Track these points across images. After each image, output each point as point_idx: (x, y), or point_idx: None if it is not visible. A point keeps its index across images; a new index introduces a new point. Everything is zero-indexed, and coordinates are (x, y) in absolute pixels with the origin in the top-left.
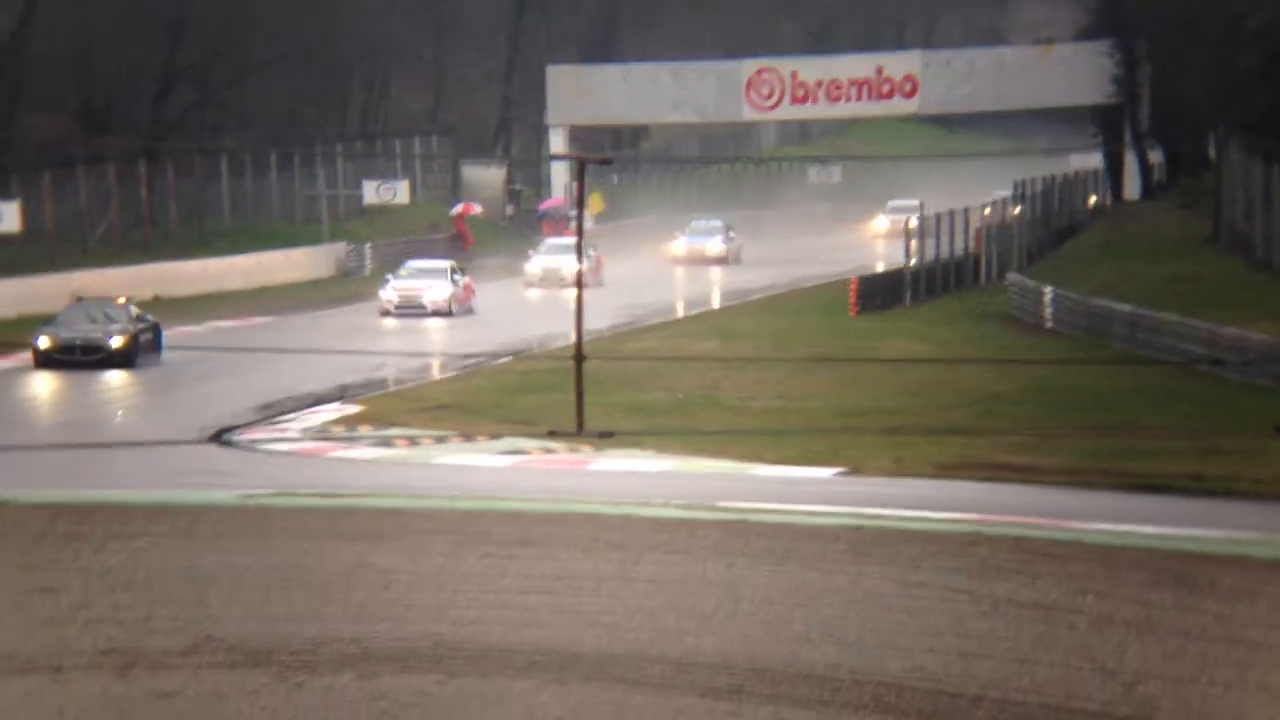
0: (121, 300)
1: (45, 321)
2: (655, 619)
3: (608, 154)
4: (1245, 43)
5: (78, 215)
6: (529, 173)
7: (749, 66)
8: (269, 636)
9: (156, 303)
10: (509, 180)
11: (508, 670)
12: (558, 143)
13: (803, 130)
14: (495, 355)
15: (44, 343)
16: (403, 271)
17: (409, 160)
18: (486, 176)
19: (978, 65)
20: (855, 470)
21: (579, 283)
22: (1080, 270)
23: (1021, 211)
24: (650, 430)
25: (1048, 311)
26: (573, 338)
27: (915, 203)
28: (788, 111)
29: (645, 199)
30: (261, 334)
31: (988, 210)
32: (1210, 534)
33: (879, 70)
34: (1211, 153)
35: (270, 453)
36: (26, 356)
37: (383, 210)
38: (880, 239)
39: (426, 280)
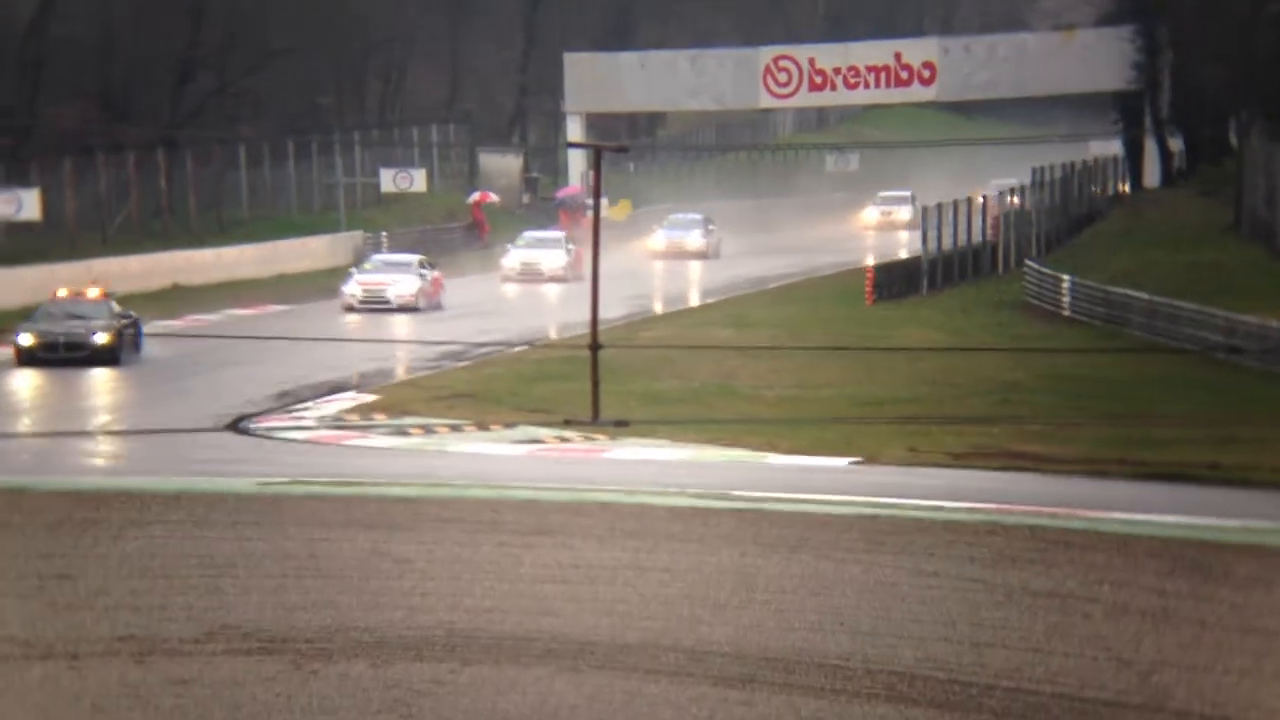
0: (97, 293)
1: (25, 317)
2: (669, 608)
3: (624, 142)
4: (1267, 28)
5: (97, 204)
6: (546, 161)
7: (766, 54)
8: (284, 624)
9: (175, 291)
10: (526, 168)
11: (522, 658)
12: (575, 130)
13: (820, 117)
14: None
15: (26, 340)
16: (367, 265)
17: (426, 148)
18: (503, 165)
19: (997, 52)
20: (870, 459)
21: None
22: (1099, 258)
23: (1022, 202)
24: (665, 419)
25: (1066, 300)
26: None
27: (906, 193)
28: (805, 99)
29: (662, 187)
30: (278, 322)
31: (982, 200)
32: (1227, 523)
33: (897, 57)
34: (1233, 139)
35: (286, 441)
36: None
37: (400, 198)
38: (870, 230)
39: (392, 275)
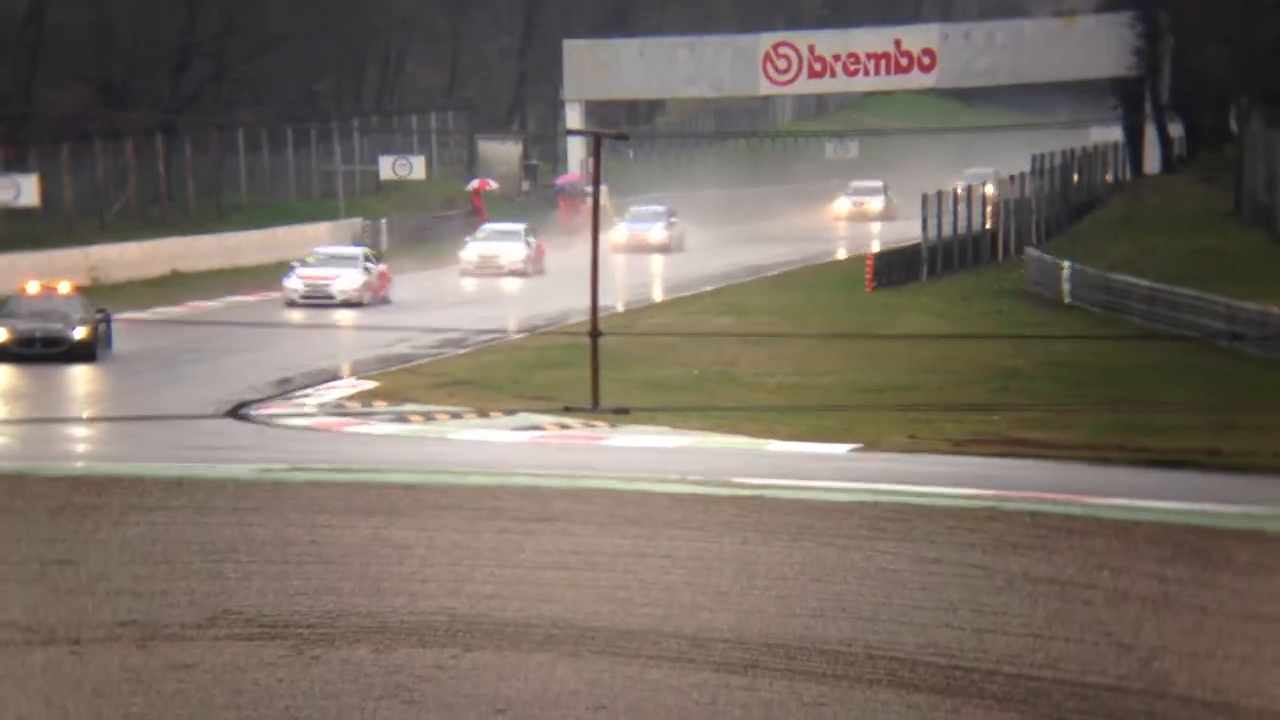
0: (68, 288)
1: None
2: (671, 594)
3: (623, 129)
4: (1267, 14)
5: (95, 190)
6: (545, 148)
7: (766, 40)
8: (286, 610)
9: (174, 277)
10: (525, 156)
11: (523, 644)
12: (574, 118)
13: (819, 104)
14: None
15: (1, 335)
16: (310, 258)
17: (425, 135)
18: (502, 152)
19: (997, 38)
20: (870, 446)
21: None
22: (1099, 245)
23: (1000, 192)
24: (666, 406)
25: (1066, 287)
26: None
27: (878, 184)
28: (804, 86)
29: (661, 175)
30: (277, 309)
31: (959, 190)
32: (1227, 509)
33: (897, 43)
34: (1233, 125)
35: (287, 427)
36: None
37: (399, 186)
38: (841, 221)
39: (336, 268)
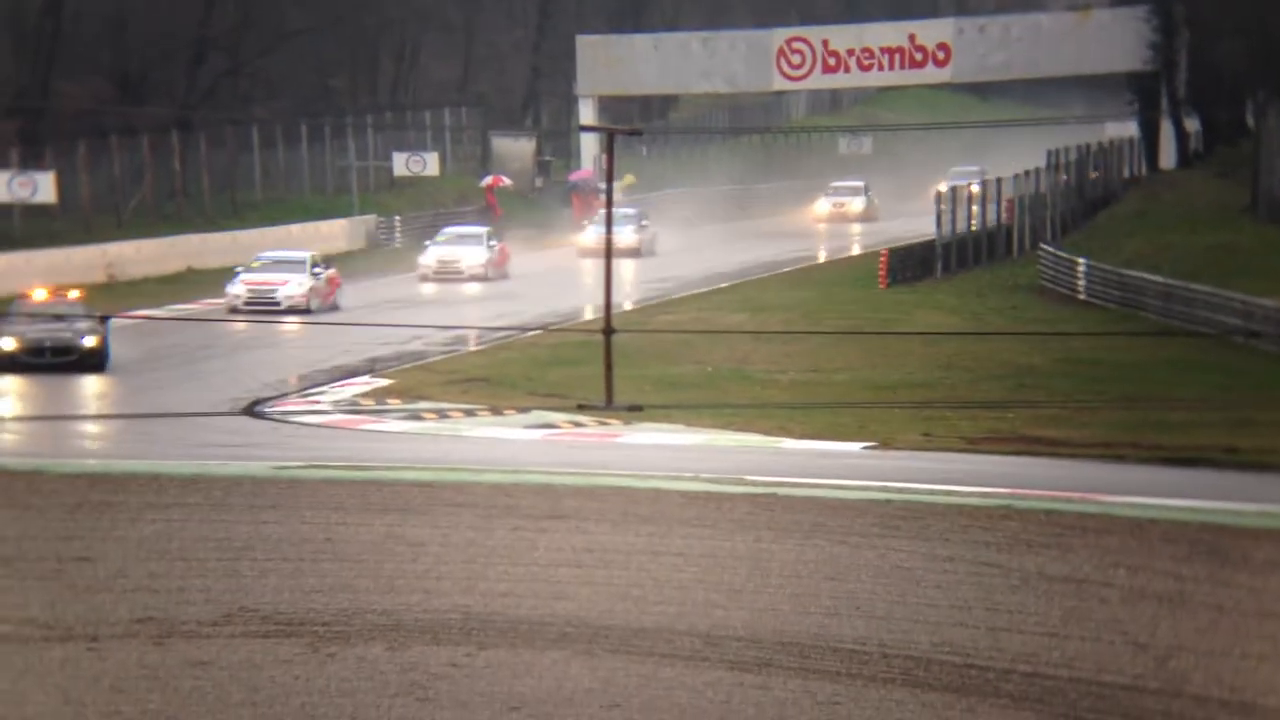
0: (77, 294)
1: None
2: (684, 592)
3: (637, 125)
4: None
5: (112, 186)
6: (559, 144)
7: (780, 35)
8: (301, 607)
9: (189, 274)
10: (539, 151)
11: (537, 642)
12: (587, 113)
13: (833, 99)
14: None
15: (9, 344)
16: (254, 263)
17: (439, 131)
18: (516, 148)
19: (1012, 32)
20: (884, 444)
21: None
22: (1114, 241)
23: (984, 192)
24: (679, 404)
25: (1081, 283)
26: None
27: (859, 184)
28: (819, 81)
29: (674, 170)
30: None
31: (943, 190)
32: (1243, 507)
33: (911, 38)
34: (1250, 120)
35: (302, 425)
36: None
37: (412, 182)
38: (822, 223)
39: (281, 273)
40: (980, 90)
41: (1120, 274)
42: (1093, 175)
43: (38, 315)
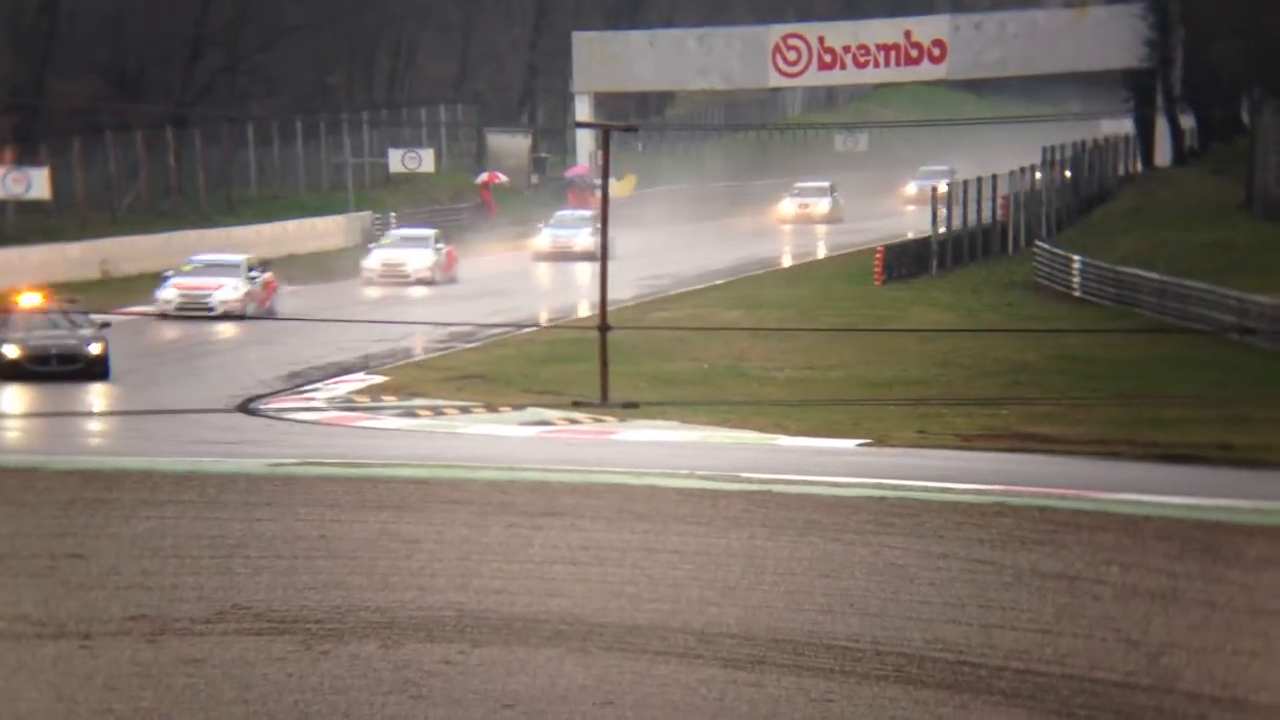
0: (74, 299)
1: None
2: (679, 589)
3: (633, 121)
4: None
5: (107, 183)
6: (554, 141)
7: (776, 32)
8: (295, 605)
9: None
10: (534, 148)
11: (531, 639)
12: (583, 110)
13: (829, 96)
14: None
15: (12, 352)
16: (185, 267)
17: (434, 128)
18: (512, 145)
19: (1008, 29)
20: (879, 441)
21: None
22: (1109, 238)
23: (951, 192)
24: (675, 401)
25: (1076, 280)
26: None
27: (825, 184)
28: (814, 78)
29: (670, 167)
30: (287, 302)
31: (912, 191)
32: (1237, 504)
33: (907, 35)
34: (1245, 118)
35: (296, 422)
36: None
37: (408, 179)
38: (788, 224)
39: (215, 277)
40: (976, 87)
41: (1115, 271)
42: (1067, 175)
43: (38, 322)
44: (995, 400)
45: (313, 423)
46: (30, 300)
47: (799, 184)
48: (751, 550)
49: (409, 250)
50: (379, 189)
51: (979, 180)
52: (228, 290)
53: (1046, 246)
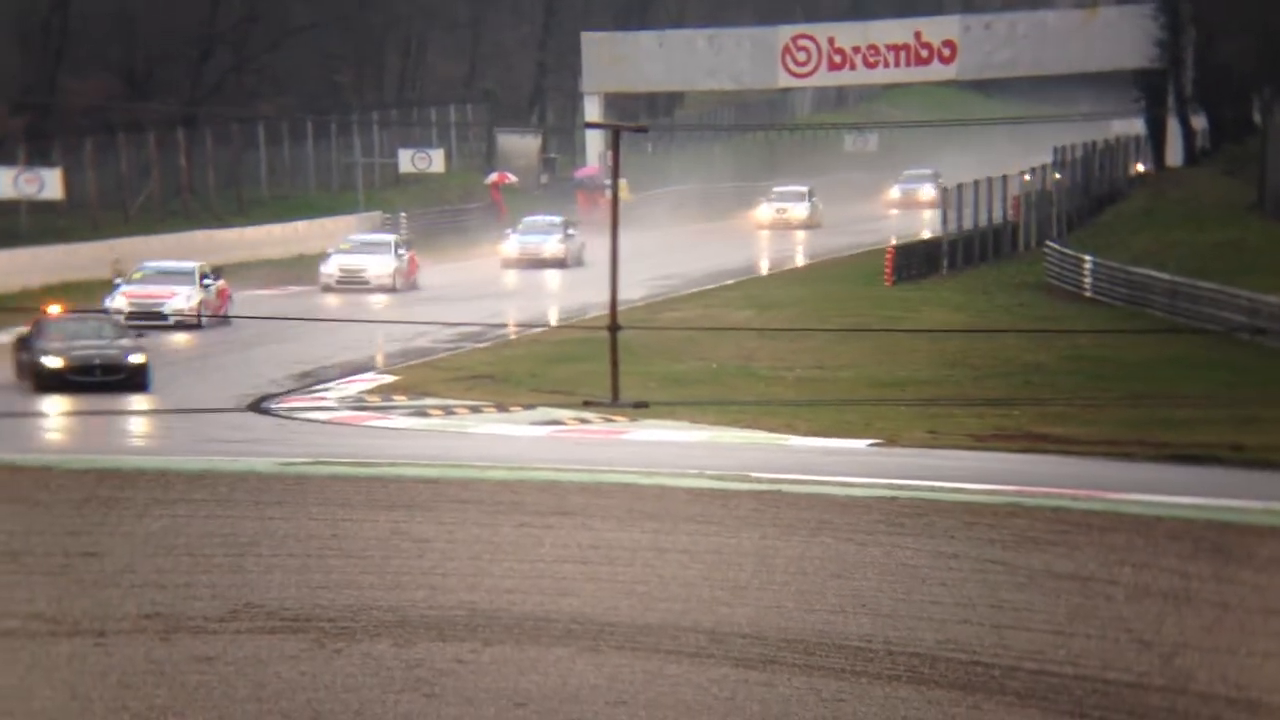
0: (120, 310)
1: (27, 337)
2: (689, 589)
3: (642, 122)
4: None
5: (118, 183)
6: (564, 141)
7: (785, 32)
8: (307, 603)
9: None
10: (544, 149)
11: (543, 639)
12: (593, 110)
13: (839, 96)
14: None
15: (55, 363)
16: (136, 274)
17: (444, 128)
18: (521, 145)
19: (1018, 29)
20: (890, 441)
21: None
22: (1121, 238)
23: (960, 193)
24: (685, 400)
25: (1087, 280)
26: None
27: (803, 189)
28: (824, 78)
29: (679, 168)
30: (298, 302)
31: (895, 196)
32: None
33: (917, 35)
34: (1256, 118)
35: (307, 421)
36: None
37: (417, 179)
38: (765, 229)
39: (168, 285)
40: (985, 87)
41: (1127, 271)
42: (1057, 176)
43: (76, 331)
44: (1007, 401)
45: (324, 422)
46: (54, 311)
47: (776, 188)
48: (762, 550)
49: (369, 256)
50: (389, 189)
51: (989, 180)
52: (180, 299)
53: (1057, 247)
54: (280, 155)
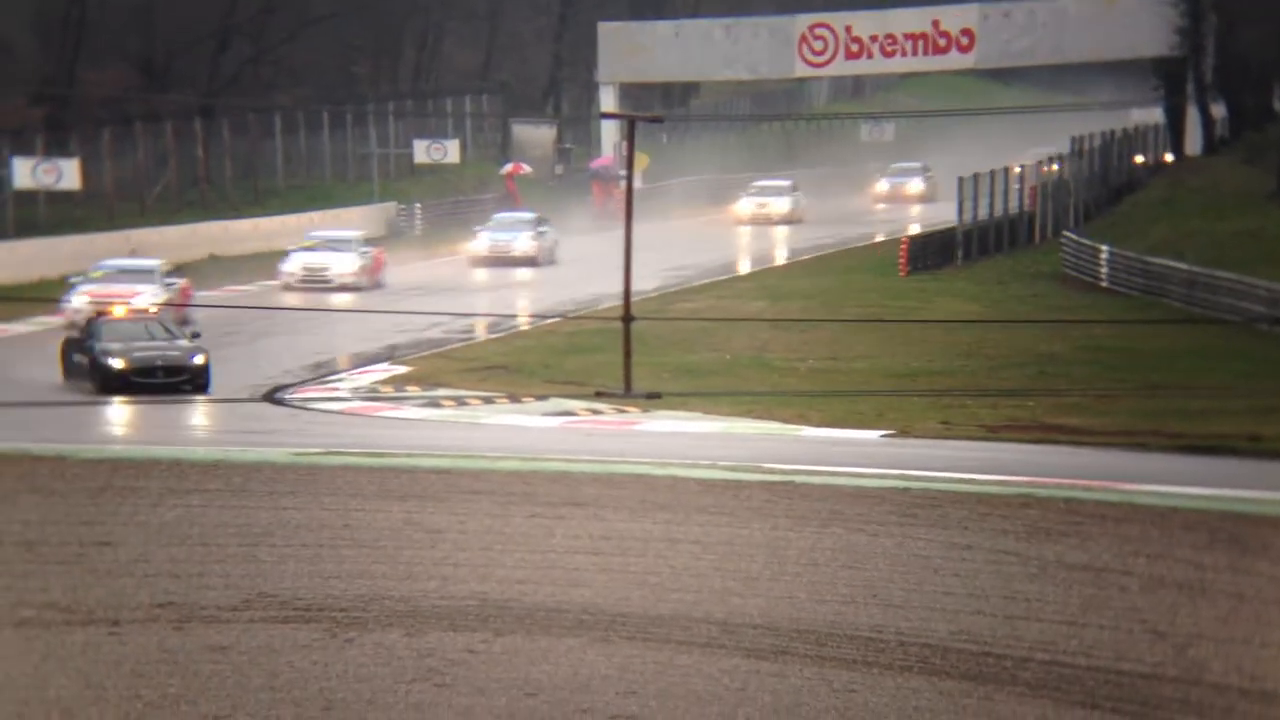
0: (155, 308)
1: (80, 338)
2: (701, 580)
3: (658, 112)
4: None
5: (135, 173)
6: (579, 131)
7: (802, 22)
8: (320, 593)
9: (211, 261)
10: (559, 139)
11: (554, 629)
12: (608, 101)
13: (855, 86)
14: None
15: (119, 364)
16: (95, 273)
17: (459, 119)
18: (537, 135)
19: (1037, 17)
20: (903, 432)
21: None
22: (1138, 228)
23: (929, 188)
24: (697, 391)
25: (1104, 270)
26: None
27: (786, 183)
28: (841, 67)
29: (695, 158)
30: (310, 294)
31: (883, 189)
32: (1265, 496)
33: (935, 24)
34: (1277, 105)
35: (321, 411)
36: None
37: (433, 169)
38: (744, 223)
39: (131, 284)
40: (1004, 76)
41: (1144, 261)
42: (1054, 167)
43: (133, 332)
44: (1021, 391)
45: (337, 412)
46: (118, 312)
47: (757, 182)
48: (774, 541)
49: (333, 254)
50: (404, 179)
51: (1005, 170)
52: (145, 298)
53: (1074, 236)
54: (296, 146)
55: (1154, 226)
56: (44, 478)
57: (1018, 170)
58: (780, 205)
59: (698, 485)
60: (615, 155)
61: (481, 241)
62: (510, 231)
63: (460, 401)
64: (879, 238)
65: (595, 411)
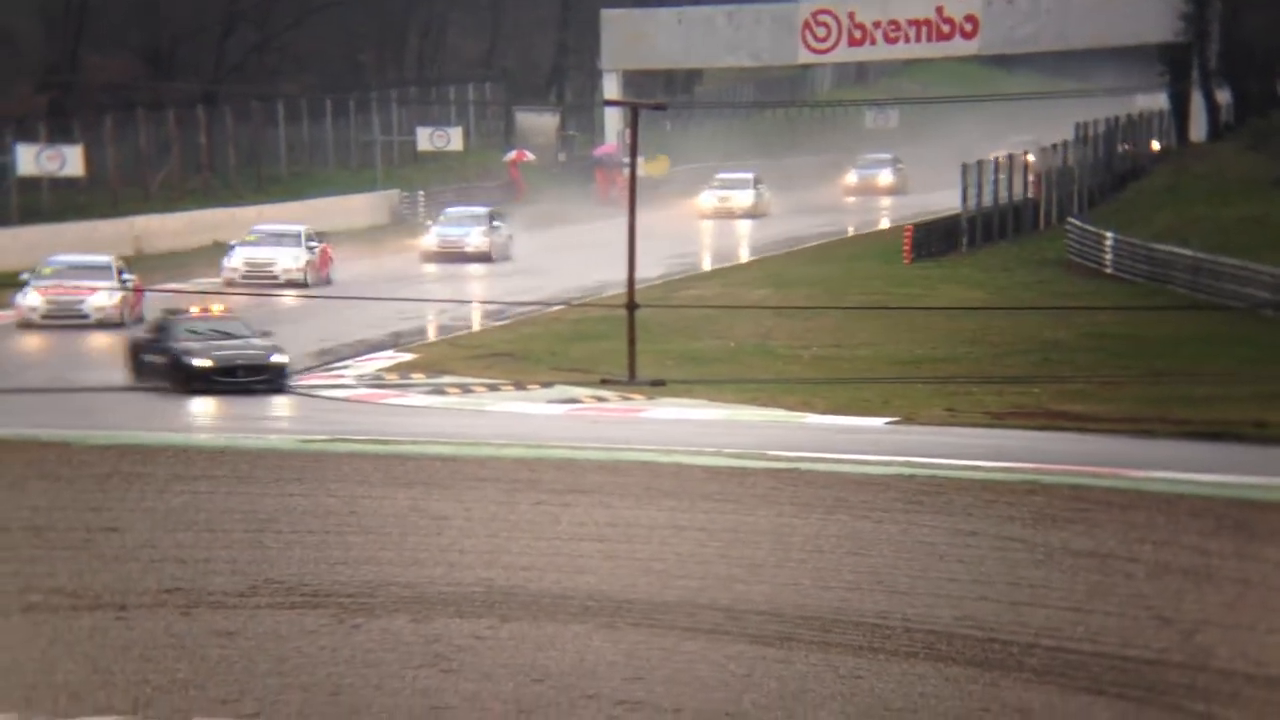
0: (221, 308)
1: (154, 338)
2: (706, 567)
3: (661, 99)
4: None
5: (139, 160)
6: (582, 119)
7: (805, 8)
8: (326, 579)
9: (215, 248)
10: (562, 127)
11: (560, 615)
12: (611, 88)
13: (859, 73)
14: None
15: (203, 363)
16: (46, 269)
17: (463, 106)
18: (540, 123)
19: (1041, 4)
20: (908, 419)
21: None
22: (1143, 214)
23: (899, 181)
24: (702, 379)
25: (1108, 257)
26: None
27: (749, 175)
28: (844, 54)
29: (698, 145)
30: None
31: (853, 181)
32: (1271, 482)
33: (939, 10)
34: None
35: (326, 399)
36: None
37: (436, 157)
38: (707, 217)
39: (85, 280)
40: (1008, 63)
41: (1148, 248)
42: (1030, 159)
43: (208, 330)
44: (1026, 378)
45: (343, 399)
46: (193, 312)
47: (720, 174)
48: (779, 528)
49: (279, 248)
50: (407, 167)
51: (1010, 157)
52: (102, 296)
53: (1078, 223)
54: (300, 133)
55: (1159, 213)
56: (51, 464)
57: (1001, 157)
58: (743, 199)
59: (703, 472)
60: (619, 143)
61: (431, 238)
62: (461, 227)
63: (465, 389)
64: (851, 230)
65: (600, 399)
